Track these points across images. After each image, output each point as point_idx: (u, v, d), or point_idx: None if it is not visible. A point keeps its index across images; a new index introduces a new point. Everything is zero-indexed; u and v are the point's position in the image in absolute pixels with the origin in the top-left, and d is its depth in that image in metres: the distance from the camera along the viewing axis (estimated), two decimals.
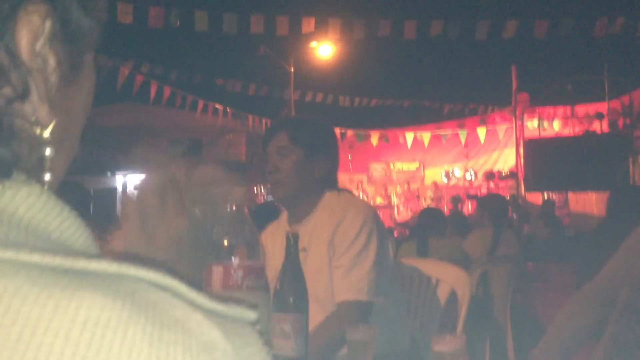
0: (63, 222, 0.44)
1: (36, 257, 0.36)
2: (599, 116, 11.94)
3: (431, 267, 2.41)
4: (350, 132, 16.59)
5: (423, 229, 4.51)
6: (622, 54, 15.05)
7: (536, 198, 13.52)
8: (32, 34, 0.43)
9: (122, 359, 0.33)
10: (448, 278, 2.27)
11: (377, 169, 17.74)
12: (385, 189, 16.51)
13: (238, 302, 0.42)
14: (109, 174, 14.75)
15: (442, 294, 2.28)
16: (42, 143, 0.45)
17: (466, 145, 16.28)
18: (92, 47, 0.53)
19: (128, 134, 15.55)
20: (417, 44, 10.71)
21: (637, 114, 11.85)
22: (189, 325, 0.36)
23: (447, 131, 16.48)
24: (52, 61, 0.46)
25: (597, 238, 3.37)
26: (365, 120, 17.14)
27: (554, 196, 13.73)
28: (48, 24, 0.44)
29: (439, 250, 4.40)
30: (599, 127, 11.93)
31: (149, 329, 0.34)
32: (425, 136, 16.37)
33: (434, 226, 4.45)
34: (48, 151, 0.46)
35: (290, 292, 1.39)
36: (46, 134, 0.45)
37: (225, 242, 1.13)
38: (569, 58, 18.15)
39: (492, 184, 14.87)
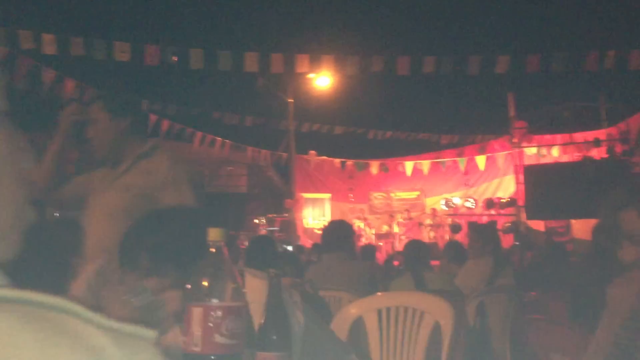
0: None
1: None
2: (597, 143, 11.97)
3: (414, 299, 2.38)
4: (350, 162, 16.64)
5: (412, 260, 4.47)
6: (617, 82, 15.15)
7: (539, 224, 13.46)
8: None
9: (15, 357, 0.40)
10: (432, 310, 2.24)
11: (377, 198, 17.74)
12: (387, 218, 16.48)
13: (136, 322, 0.48)
14: None
15: (426, 326, 2.24)
16: None
17: (466, 173, 16.28)
18: None
19: None
20: (413, 76, 10.83)
21: (635, 140, 11.88)
22: (79, 333, 0.43)
23: (446, 159, 16.52)
24: None
25: (584, 268, 3.33)
26: (365, 150, 17.21)
27: (556, 222, 13.67)
28: None
29: (434, 281, 4.36)
30: (597, 153, 11.95)
31: (41, 335, 0.41)
32: (425, 164, 16.40)
33: (419, 258, 4.41)
34: None
35: (274, 330, 1.37)
36: None
37: (205, 283, 1.11)
38: (565, 86, 18.28)
39: (493, 212, 14.82)
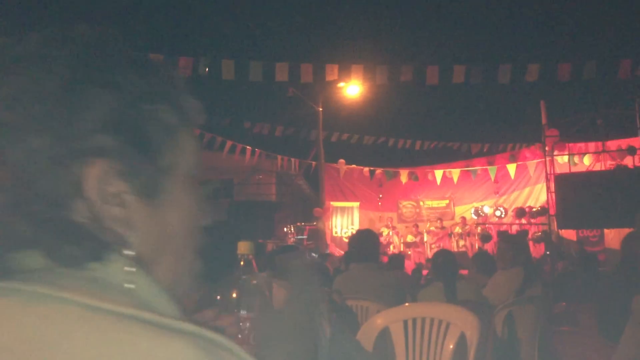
0: (152, 291, 0.60)
1: (130, 311, 0.53)
2: (631, 151, 11.74)
3: (441, 310, 2.41)
4: (379, 171, 16.64)
5: (440, 270, 4.47)
6: None
7: (571, 234, 13.25)
8: (96, 178, 0.61)
9: None
10: (457, 321, 2.26)
11: (406, 206, 17.68)
12: (416, 227, 16.41)
13: None
14: None
15: (452, 336, 2.27)
16: (129, 258, 0.62)
17: (496, 181, 16.13)
18: (171, 173, 0.67)
19: None
20: (442, 85, 10.82)
21: None
22: None
23: (476, 168, 16.39)
24: (116, 193, 0.62)
25: (613, 279, 3.28)
26: (394, 158, 17.20)
27: (589, 232, 13.43)
28: (110, 170, 0.61)
29: (462, 291, 4.35)
30: (632, 161, 11.72)
31: None
32: (455, 173, 16.30)
33: (447, 268, 4.40)
34: (130, 268, 0.61)
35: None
36: (130, 251, 0.62)
37: (234, 294, 1.17)
38: (599, 93, 18.00)
39: (523, 221, 14.63)
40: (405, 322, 2.41)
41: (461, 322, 2.26)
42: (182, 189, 0.69)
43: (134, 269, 0.60)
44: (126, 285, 0.59)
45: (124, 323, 0.52)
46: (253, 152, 14.84)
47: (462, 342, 2.29)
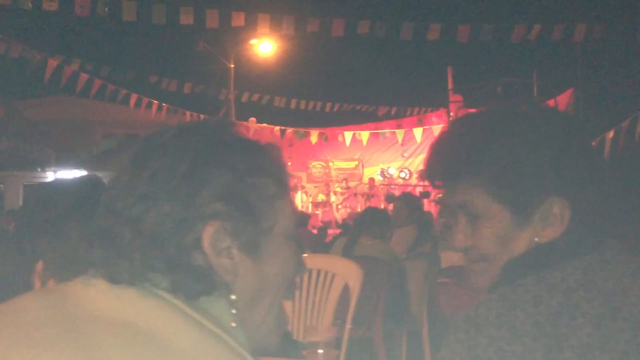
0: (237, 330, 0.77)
1: (218, 331, 0.73)
2: None
3: (325, 262, 2.48)
4: (289, 130, 16.62)
5: (360, 227, 4.59)
6: (549, 59, 15.71)
7: None
8: (211, 237, 0.77)
9: None
10: (341, 271, 2.34)
11: (316, 167, 17.85)
12: (328, 186, 16.64)
13: None
14: (39, 169, 14.28)
15: (336, 287, 2.35)
16: (231, 301, 0.78)
17: (403, 144, 16.58)
18: (271, 233, 0.81)
19: (59, 127, 15.09)
20: (355, 45, 10.95)
21: None
22: None
23: (385, 130, 16.75)
24: (226, 247, 0.78)
25: None
26: (305, 118, 17.22)
27: None
28: (222, 230, 0.77)
29: (366, 247, 4.51)
30: None
31: None
32: (364, 135, 16.58)
33: (372, 226, 4.51)
34: (233, 310, 0.77)
35: None
36: (233, 296, 0.78)
37: None
38: (501, 61, 18.80)
39: (426, 182, 15.23)
40: None
41: (345, 273, 2.34)
42: (279, 247, 0.83)
43: (235, 311, 0.77)
44: (232, 323, 0.76)
45: (210, 334, 0.71)
46: (160, 107, 14.33)
47: (345, 292, 2.38)
